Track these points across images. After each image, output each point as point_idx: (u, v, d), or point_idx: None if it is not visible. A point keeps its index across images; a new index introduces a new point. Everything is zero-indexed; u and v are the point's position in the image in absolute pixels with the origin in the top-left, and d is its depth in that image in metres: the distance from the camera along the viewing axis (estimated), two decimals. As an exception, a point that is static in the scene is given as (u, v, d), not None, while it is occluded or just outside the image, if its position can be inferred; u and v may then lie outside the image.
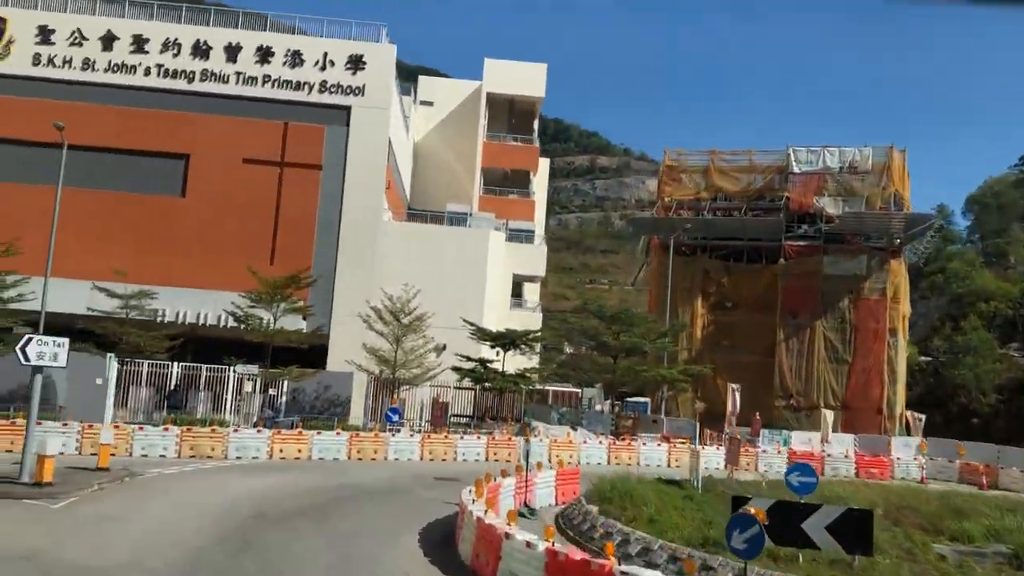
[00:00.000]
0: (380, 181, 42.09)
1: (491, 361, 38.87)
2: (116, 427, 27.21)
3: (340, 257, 40.89)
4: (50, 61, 39.95)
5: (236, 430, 28.73)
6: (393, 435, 31.15)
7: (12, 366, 24.39)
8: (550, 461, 29.06)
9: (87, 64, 40.16)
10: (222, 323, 37.78)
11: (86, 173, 39.69)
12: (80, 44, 40.20)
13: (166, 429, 27.70)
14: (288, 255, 39.10)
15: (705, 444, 37.15)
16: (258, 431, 29.06)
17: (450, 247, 43.43)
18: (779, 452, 36.87)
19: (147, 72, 40.50)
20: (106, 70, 40.14)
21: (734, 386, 36.94)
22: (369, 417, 40.61)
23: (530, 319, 46.50)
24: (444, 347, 41.09)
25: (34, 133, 36.99)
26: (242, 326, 34.69)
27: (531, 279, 49.39)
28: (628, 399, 44.58)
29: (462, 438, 32.47)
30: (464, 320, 39.72)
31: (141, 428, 27.53)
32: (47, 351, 19.90)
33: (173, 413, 34.71)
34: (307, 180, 40.82)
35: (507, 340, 38.21)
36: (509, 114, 61.48)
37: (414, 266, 40.67)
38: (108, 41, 40.36)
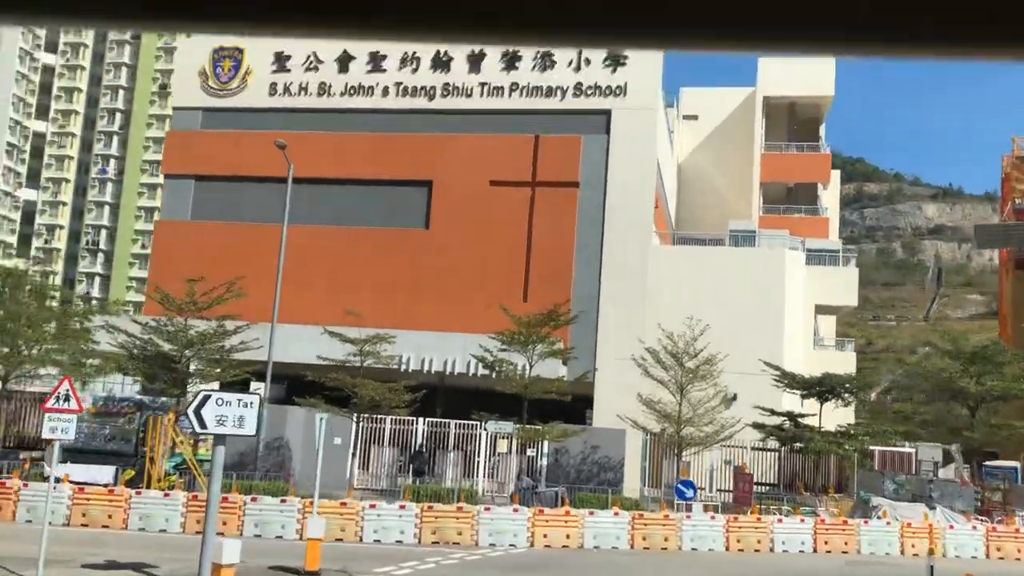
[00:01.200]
0: (648, 196, 35.03)
1: (802, 416, 30.28)
2: (343, 505, 21.72)
3: (603, 289, 34.10)
4: (286, 89, 36.90)
5: (487, 509, 22.40)
6: (688, 517, 23.48)
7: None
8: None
9: (323, 90, 36.71)
10: (471, 370, 32.13)
11: (320, 207, 36.00)
12: (316, 68, 36.88)
13: (402, 507, 21.88)
14: (543, 289, 32.89)
15: None
16: (514, 510, 22.55)
17: (736, 273, 35.32)
18: None
19: (385, 92, 36.36)
20: (342, 94, 36.44)
21: None
22: (646, 484, 33.15)
23: (841, 360, 37.10)
24: (735, 397, 32.93)
25: (273, 168, 33.70)
26: (493, 374, 28.72)
27: (835, 310, 40.02)
28: (986, 463, 33.81)
29: (780, 521, 24.13)
30: (765, 363, 31.40)
31: (373, 506, 21.88)
32: (230, 414, 14.42)
33: (418, 479, 29.21)
34: (562, 200, 34.59)
35: (825, 388, 29.44)
36: (789, 120, 52.52)
37: (691, 299, 33.01)
38: (344, 62, 36.74)
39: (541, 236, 34.43)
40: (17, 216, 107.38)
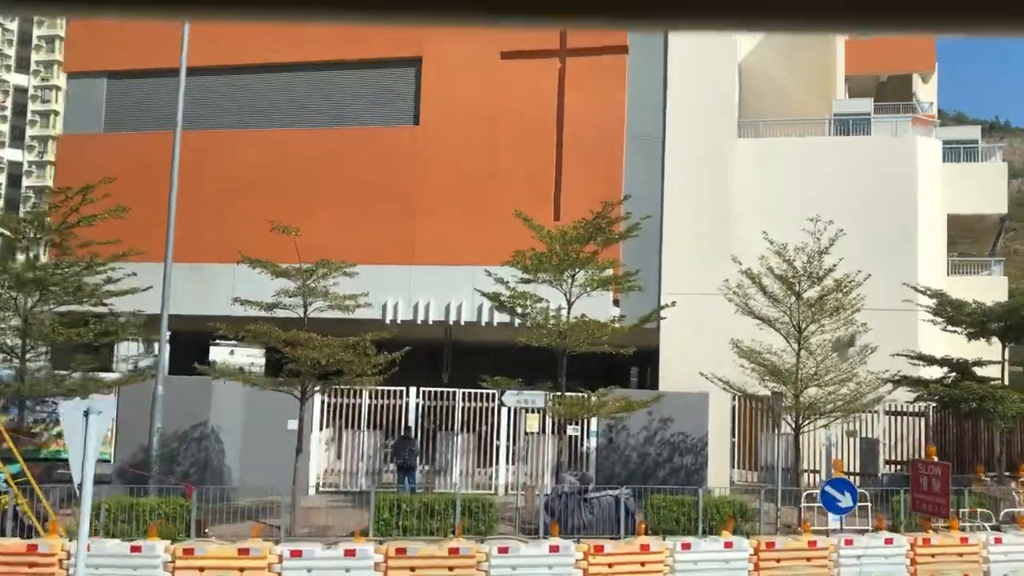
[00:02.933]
0: (728, 64, 24.91)
1: (979, 363, 20.30)
2: (242, 554, 12.22)
3: (668, 196, 24.10)
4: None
5: (503, 551, 12.83)
6: (848, 542, 13.75)
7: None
8: None
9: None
10: (483, 317, 22.47)
11: (273, 103, 26.26)
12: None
13: (350, 553, 12.35)
14: (581, 200, 22.91)
15: None
16: (551, 548, 12.95)
17: (850, 171, 25.07)
18: None
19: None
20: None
21: None
22: (736, 467, 23.50)
23: (988, 287, 26.72)
24: (853, 341, 23.02)
25: (211, 55, 23.93)
26: (515, 319, 19.02)
27: (977, 221, 29.72)
28: None
29: (998, 542, 14.38)
30: (915, 288, 21.40)
31: (297, 554, 12.39)
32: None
33: (405, 478, 19.74)
34: (606, 73, 24.49)
35: (1016, 322, 19.32)
36: None
37: (785, 208, 22.90)
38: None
39: (576, 126, 24.36)
40: (2, 178, 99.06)
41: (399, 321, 23.18)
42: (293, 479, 16.86)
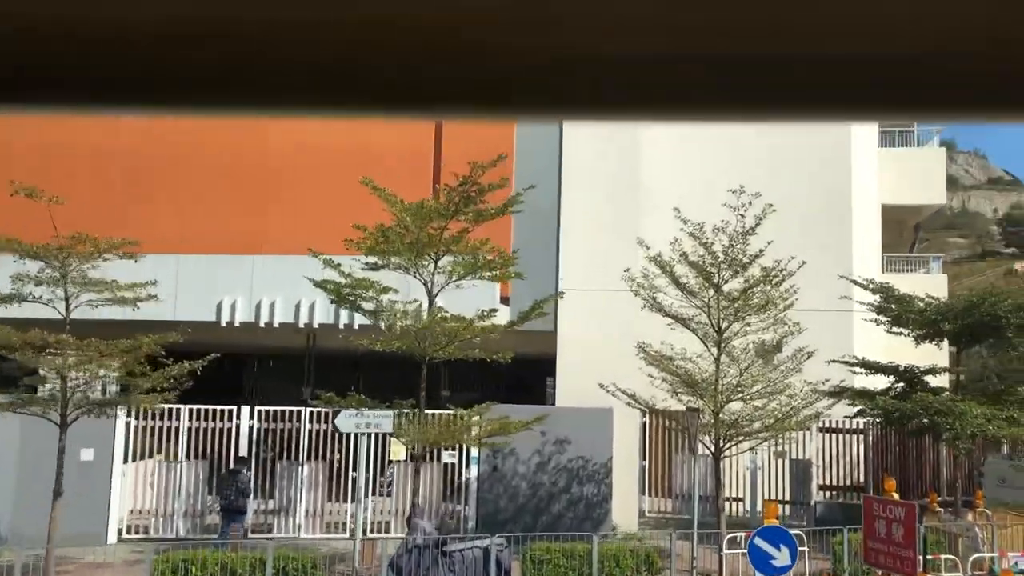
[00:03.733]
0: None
1: (931, 371, 17.00)
2: None
3: (566, 174, 20.34)
4: None
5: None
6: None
7: None
8: None
9: None
10: (341, 319, 18.31)
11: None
12: None
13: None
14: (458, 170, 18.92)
15: None
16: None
17: (776, 154, 21.67)
18: None
19: None
20: None
21: None
22: (648, 493, 19.99)
23: (925, 285, 23.60)
24: (780, 346, 19.61)
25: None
26: (359, 315, 14.90)
27: (912, 213, 26.67)
28: None
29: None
30: (853, 282, 18.05)
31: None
32: None
33: (233, 523, 15.39)
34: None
35: (973, 321, 15.97)
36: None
37: (706, 195, 19.33)
38: None
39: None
40: None
41: (237, 324, 18.83)
42: (48, 531, 12.40)
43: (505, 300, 19.16)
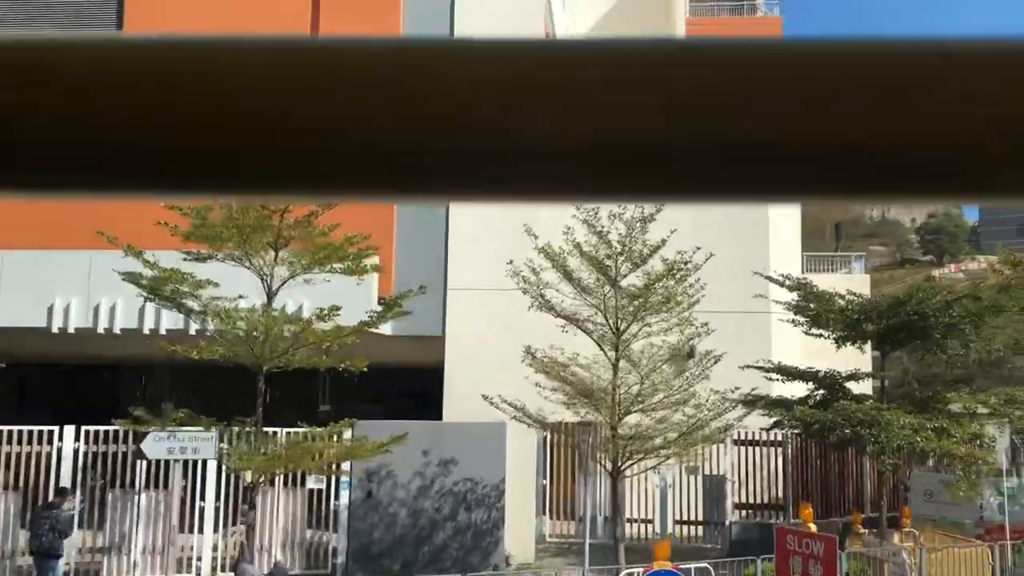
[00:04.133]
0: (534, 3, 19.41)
1: (853, 377, 15.35)
2: None
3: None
4: None
5: None
6: None
7: None
8: None
9: None
10: (146, 322, 15.79)
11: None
12: None
13: None
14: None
15: None
16: None
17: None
18: None
19: None
20: None
21: None
22: (551, 516, 18.03)
23: (848, 285, 22.14)
24: (693, 351, 17.88)
25: None
26: (198, 321, 12.48)
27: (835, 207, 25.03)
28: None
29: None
30: (768, 278, 16.35)
31: None
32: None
33: (48, 570, 12.80)
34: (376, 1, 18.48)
35: (902, 321, 14.34)
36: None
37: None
38: None
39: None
40: None
41: (73, 330, 16.20)
42: None
43: (386, 301, 16.92)
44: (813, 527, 10.72)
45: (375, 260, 11.47)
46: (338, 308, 10.83)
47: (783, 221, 22.22)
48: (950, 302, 14.07)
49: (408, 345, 17.67)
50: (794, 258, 23.93)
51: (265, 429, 12.43)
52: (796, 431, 15.89)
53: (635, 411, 13.09)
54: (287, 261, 11.25)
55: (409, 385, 18.39)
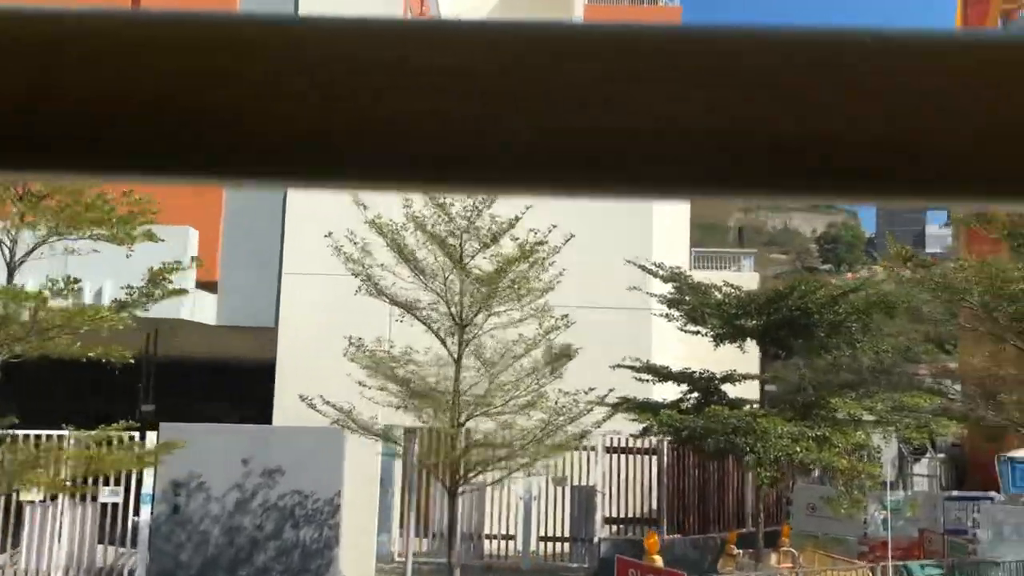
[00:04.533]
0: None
1: (712, 381, 13.78)
2: None
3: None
4: None
5: None
6: None
7: None
8: None
9: None
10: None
11: None
12: None
13: None
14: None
15: None
16: None
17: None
18: None
19: None
20: None
21: None
22: (408, 533, 16.07)
23: (738, 283, 20.78)
24: (571, 353, 16.19)
25: None
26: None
27: (728, 203, 23.75)
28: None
29: None
30: (641, 268, 14.66)
31: None
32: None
33: None
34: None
35: (783, 316, 12.85)
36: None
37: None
38: None
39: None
40: None
41: None
42: None
43: (210, 286, 14.62)
44: (659, 559, 8.99)
45: (149, 227, 9.20)
46: (77, 281, 8.56)
47: (672, 215, 20.73)
48: (836, 297, 12.62)
49: (238, 337, 15.38)
50: (682, 253, 22.49)
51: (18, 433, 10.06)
52: (668, 438, 14.27)
53: (478, 415, 11.18)
54: (34, 226, 8.93)
55: (240, 383, 16.10)
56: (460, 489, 11.21)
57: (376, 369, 11.36)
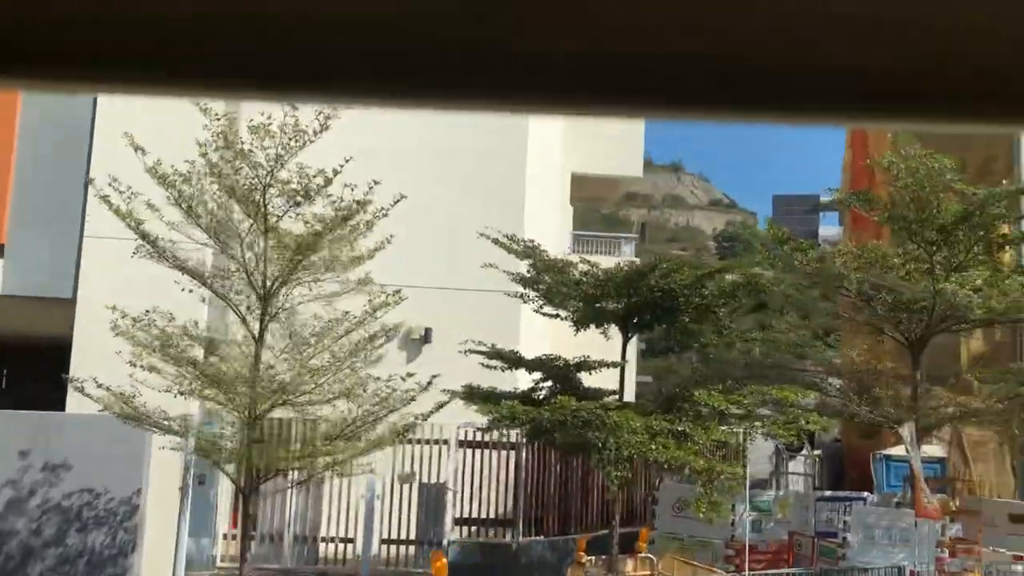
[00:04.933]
0: None
1: (567, 369, 12.40)
2: None
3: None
4: None
5: None
6: None
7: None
8: None
9: None
10: None
11: None
12: None
13: None
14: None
15: None
16: None
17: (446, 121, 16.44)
18: None
19: None
20: None
21: None
22: (229, 537, 14.20)
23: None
24: (425, 336, 14.78)
25: None
26: None
27: (608, 185, 22.59)
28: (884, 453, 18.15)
29: None
30: (494, 241, 13.09)
31: None
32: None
33: None
34: None
35: (644, 297, 11.52)
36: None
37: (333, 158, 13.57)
38: None
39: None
40: None
41: None
42: None
43: (-7, 249, 12.46)
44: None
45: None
46: None
47: (547, 192, 19.29)
48: (701, 276, 11.34)
49: (28, 308, 13.23)
50: (563, 236, 21.13)
51: None
52: (519, 432, 12.82)
53: (280, 404, 9.46)
54: None
55: (28, 363, 13.94)
56: (250, 489, 9.45)
57: (162, 348, 9.51)
